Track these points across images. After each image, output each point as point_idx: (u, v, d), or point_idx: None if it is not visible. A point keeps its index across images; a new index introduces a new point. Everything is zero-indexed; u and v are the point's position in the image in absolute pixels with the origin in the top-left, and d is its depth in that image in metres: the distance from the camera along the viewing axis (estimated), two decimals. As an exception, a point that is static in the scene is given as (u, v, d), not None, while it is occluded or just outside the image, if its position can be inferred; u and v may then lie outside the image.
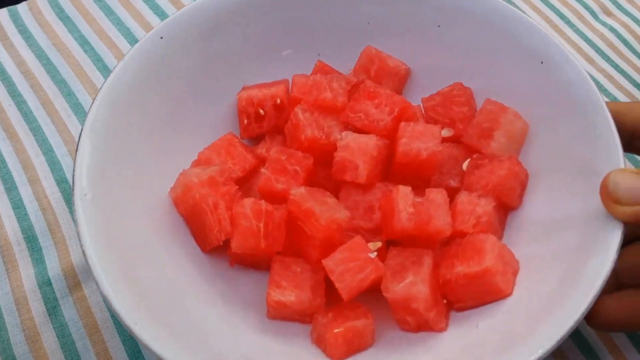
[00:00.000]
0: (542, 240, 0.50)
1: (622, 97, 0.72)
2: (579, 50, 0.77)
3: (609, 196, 0.40)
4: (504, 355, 0.42)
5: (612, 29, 0.76)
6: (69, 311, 0.53)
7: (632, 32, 0.78)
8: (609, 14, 0.81)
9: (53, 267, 0.55)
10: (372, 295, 0.49)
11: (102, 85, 0.51)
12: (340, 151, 0.52)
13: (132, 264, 0.47)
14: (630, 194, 0.38)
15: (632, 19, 0.80)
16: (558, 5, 0.82)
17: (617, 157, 0.46)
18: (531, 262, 0.49)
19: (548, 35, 0.54)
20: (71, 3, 0.74)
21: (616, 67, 0.75)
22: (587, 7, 0.81)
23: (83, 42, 0.71)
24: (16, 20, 0.72)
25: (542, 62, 0.54)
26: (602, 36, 0.76)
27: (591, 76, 0.67)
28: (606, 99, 0.52)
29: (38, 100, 0.65)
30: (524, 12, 0.78)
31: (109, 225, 0.46)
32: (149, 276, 0.47)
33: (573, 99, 0.52)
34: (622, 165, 0.45)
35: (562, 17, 0.80)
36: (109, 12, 0.74)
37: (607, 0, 0.82)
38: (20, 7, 0.73)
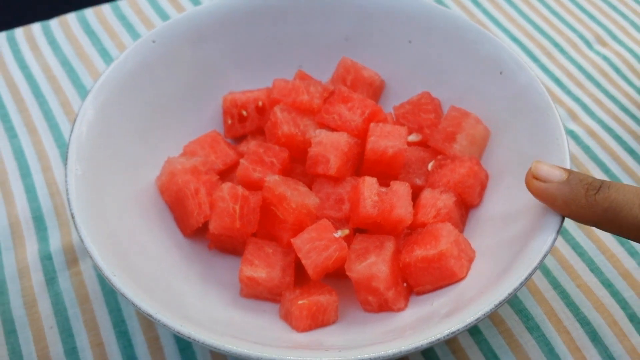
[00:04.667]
0: (497, 232, 0.52)
1: (609, 121, 0.73)
2: (569, 75, 0.78)
3: (531, 174, 0.47)
4: (451, 319, 0.44)
5: (605, 58, 0.77)
6: (64, 283, 0.57)
7: (624, 60, 0.78)
8: (603, 44, 0.81)
9: (55, 244, 0.59)
10: (339, 282, 0.52)
11: (95, 82, 0.54)
12: (314, 147, 0.54)
13: (117, 236, 0.49)
14: (545, 174, 0.47)
15: (626, 49, 0.80)
16: (552, 33, 0.83)
17: (563, 156, 0.50)
18: (487, 251, 0.51)
19: (505, 47, 0.57)
20: (97, 19, 0.81)
21: (605, 92, 0.76)
22: (582, 37, 0.82)
23: (104, 53, 0.78)
24: (47, 32, 0.79)
25: (501, 72, 0.57)
26: (594, 64, 0.78)
27: (579, 100, 0.73)
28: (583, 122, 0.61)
29: (58, 101, 0.71)
30: (518, 39, 0.81)
31: (97, 201, 0.49)
32: (134, 250, 0.49)
33: (528, 104, 0.54)
34: (567, 164, 0.50)
35: (556, 45, 0.81)
36: (129, 28, 0.81)
37: (603, 30, 0.83)
38: (52, 22, 0.81)
